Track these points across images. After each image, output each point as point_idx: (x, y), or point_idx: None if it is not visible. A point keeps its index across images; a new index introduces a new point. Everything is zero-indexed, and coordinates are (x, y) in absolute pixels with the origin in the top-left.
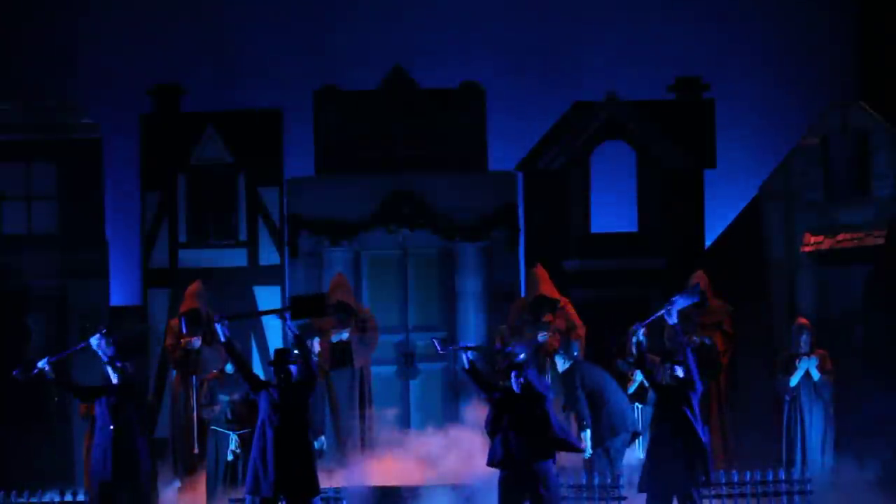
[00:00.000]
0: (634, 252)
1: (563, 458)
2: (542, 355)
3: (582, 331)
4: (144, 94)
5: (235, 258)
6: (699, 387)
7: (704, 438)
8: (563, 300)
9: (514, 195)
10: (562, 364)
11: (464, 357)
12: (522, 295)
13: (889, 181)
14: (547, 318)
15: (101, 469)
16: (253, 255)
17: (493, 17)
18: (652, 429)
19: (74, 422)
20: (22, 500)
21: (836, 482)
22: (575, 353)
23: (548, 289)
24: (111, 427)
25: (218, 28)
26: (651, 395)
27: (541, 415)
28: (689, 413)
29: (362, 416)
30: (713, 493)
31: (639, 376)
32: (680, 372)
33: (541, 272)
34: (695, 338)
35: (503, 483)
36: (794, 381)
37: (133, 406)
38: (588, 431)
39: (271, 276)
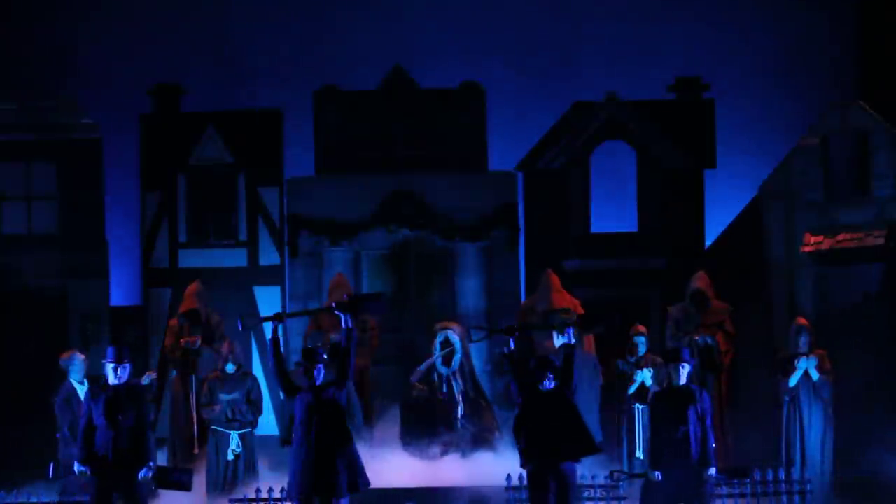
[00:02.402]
0: (634, 252)
1: None
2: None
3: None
4: (144, 94)
5: (235, 258)
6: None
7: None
8: (574, 303)
9: (514, 195)
10: (557, 340)
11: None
12: (523, 296)
13: (889, 181)
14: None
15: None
16: (253, 255)
17: (493, 17)
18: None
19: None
20: (22, 499)
21: (835, 482)
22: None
23: (560, 300)
24: (112, 428)
25: (218, 28)
26: (651, 395)
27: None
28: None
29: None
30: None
31: (639, 376)
32: (684, 376)
33: (554, 280)
34: (696, 338)
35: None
36: (794, 381)
37: (136, 406)
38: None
39: (271, 276)
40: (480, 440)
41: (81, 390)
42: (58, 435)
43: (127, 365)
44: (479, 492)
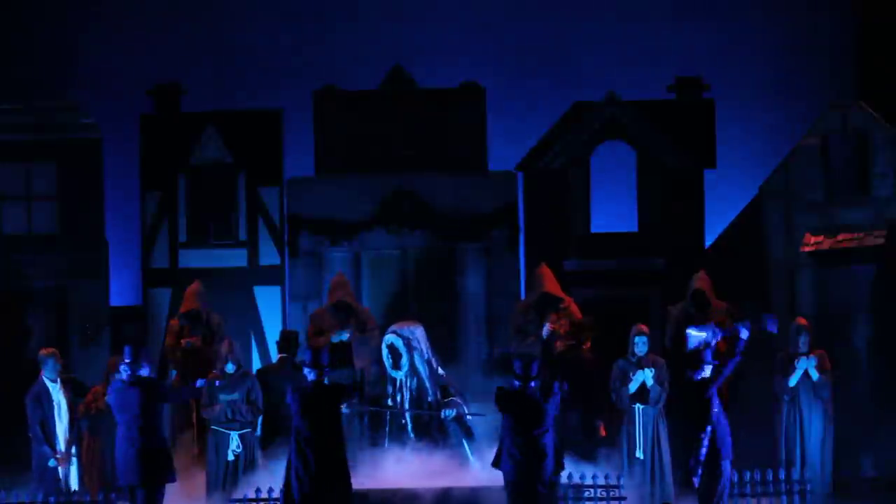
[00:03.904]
0: (634, 252)
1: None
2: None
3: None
4: (144, 94)
5: (235, 258)
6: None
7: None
8: (567, 299)
9: (514, 195)
10: (544, 330)
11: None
12: (523, 296)
13: (889, 181)
14: (552, 317)
15: (128, 469)
16: (253, 255)
17: (493, 17)
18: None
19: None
20: (22, 499)
21: (835, 482)
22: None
23: (552, 287)
24: (139, 427)
25: (218, 28)
26: (652, 394)
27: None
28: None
29: (362, 417)
30: None
31: (640, 376)
32: (707, 371)
33: (545, 271)
34: None
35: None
36: (793, 381)
37: (158, 406)
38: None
39: (271, 276)
40: (433, 436)
41: (54, 388)
42: (29, 433)
43: (145, 366)
44: (477, 492)
